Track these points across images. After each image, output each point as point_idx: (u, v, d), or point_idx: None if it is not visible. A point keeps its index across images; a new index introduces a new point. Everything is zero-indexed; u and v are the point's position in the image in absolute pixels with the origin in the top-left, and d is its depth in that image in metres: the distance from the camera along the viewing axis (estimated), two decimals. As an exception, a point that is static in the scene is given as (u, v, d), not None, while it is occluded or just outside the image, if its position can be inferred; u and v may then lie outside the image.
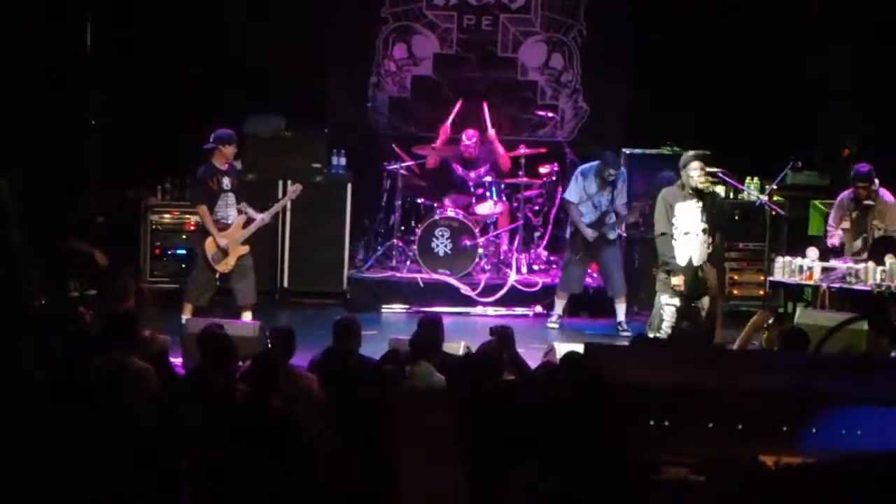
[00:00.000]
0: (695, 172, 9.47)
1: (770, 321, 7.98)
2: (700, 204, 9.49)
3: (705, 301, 9.64)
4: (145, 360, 6.70)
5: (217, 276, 10.23)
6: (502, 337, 6.94)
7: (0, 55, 10.94)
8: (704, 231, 9.58)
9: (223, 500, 5.64)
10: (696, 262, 9.52)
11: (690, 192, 9.46)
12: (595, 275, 11.48)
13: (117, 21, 11.63)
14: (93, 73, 11.65)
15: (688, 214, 9.52)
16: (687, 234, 9.51)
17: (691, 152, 9.60)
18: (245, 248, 10.30)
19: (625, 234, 11.56)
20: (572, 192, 11.04)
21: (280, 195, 11.25)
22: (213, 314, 9.81)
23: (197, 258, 10.39)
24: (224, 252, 10.21)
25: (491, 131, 12.09)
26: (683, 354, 4.65)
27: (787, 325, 8.30)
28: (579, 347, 6.80)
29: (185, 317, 9.87)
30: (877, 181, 9.99)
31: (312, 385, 6.38)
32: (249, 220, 10.37)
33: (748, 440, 2.62)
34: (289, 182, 11.31)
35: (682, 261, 9.51)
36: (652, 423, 2.62)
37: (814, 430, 2.61)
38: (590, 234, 10.85)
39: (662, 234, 9.49)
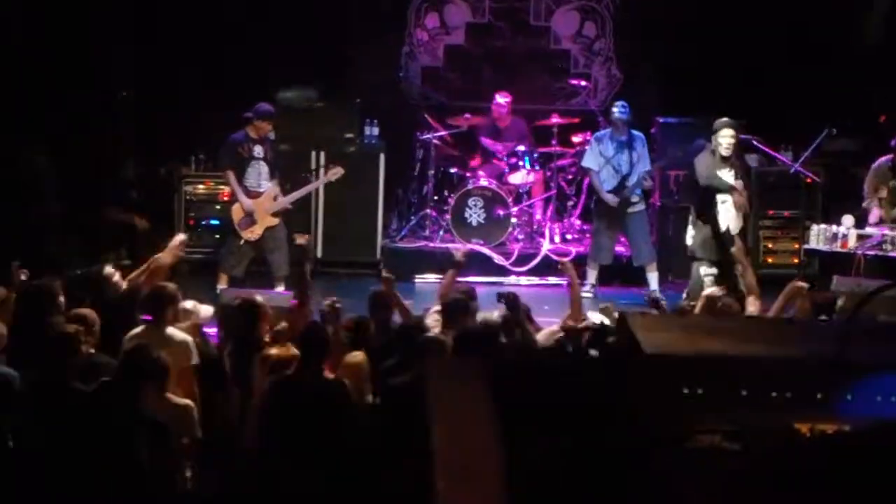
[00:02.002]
0: (724, 140, 9.43)
1: (804, 290, 7.95)
2: (732, 172, 9.47)
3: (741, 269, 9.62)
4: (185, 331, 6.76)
5: (241, 242, 10.28)
6: (510, 304, 7.05)
7: (31, 30, 11.00)
8: None
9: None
10: (733, 231, 9.50)
11: (721, 159, 9.44)
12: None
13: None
14: (123, 44, 11.69)
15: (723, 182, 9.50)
16: (724, 203, 9.50)
17: (724, 119, 9.55)
18: (276, 220, 10.34)
19: (659, 204, 11.52)
20: (590, 159, 10.99)
21: (313, 166, 11.31)
22: (247, 284, 9.91)
23: (231, 227, 10.47)
24: (251, 219, 10.25)
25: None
26: (717, 322, 4.64)
27: (822, 293, 8.26)
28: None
29: (221, 286, 9.94)
30: None
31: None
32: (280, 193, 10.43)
33: (783, 408, 2.62)
34: (322, 153, 11.36)
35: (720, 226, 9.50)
36: (685, 391, 2.63)
37: (849, 398, 2.61)
38: (611, 199, 10.78)
39: (709, 183, 9.46)
